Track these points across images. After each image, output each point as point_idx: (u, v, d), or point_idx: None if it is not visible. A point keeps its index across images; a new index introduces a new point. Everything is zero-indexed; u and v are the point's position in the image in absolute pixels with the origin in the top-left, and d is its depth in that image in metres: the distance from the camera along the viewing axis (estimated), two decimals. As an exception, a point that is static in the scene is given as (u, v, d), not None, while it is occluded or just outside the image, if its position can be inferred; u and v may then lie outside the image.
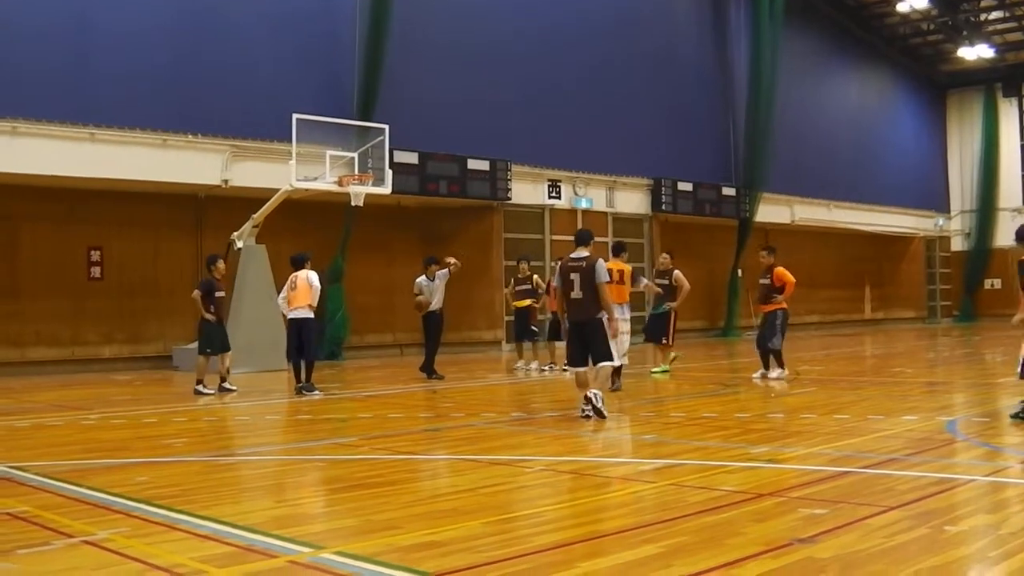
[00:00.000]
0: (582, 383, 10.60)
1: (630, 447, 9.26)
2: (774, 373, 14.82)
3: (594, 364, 10.48)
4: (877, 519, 5.54)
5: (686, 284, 16.50)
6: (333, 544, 5.23)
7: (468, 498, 6.54)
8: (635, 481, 7.31)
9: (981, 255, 40.18)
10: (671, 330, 16.42)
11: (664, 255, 17.36)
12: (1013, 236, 10.78)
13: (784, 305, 14.89)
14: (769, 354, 14.94)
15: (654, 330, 16.80)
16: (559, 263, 10.93)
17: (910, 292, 40.12)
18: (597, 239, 17.41)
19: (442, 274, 16.02)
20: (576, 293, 10.46)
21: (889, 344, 25.14)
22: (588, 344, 10.45)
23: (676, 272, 16.58)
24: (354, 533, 5.65)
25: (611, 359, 10.59)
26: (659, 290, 16.46)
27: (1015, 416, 9.51)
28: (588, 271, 10.43)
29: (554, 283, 11.12)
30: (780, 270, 14.86)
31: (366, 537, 5.49)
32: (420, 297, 16.03)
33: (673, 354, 16.76)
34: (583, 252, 10.60)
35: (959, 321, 39.74)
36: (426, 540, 5.27)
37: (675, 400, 13.07)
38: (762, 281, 15.04)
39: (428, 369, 16.18)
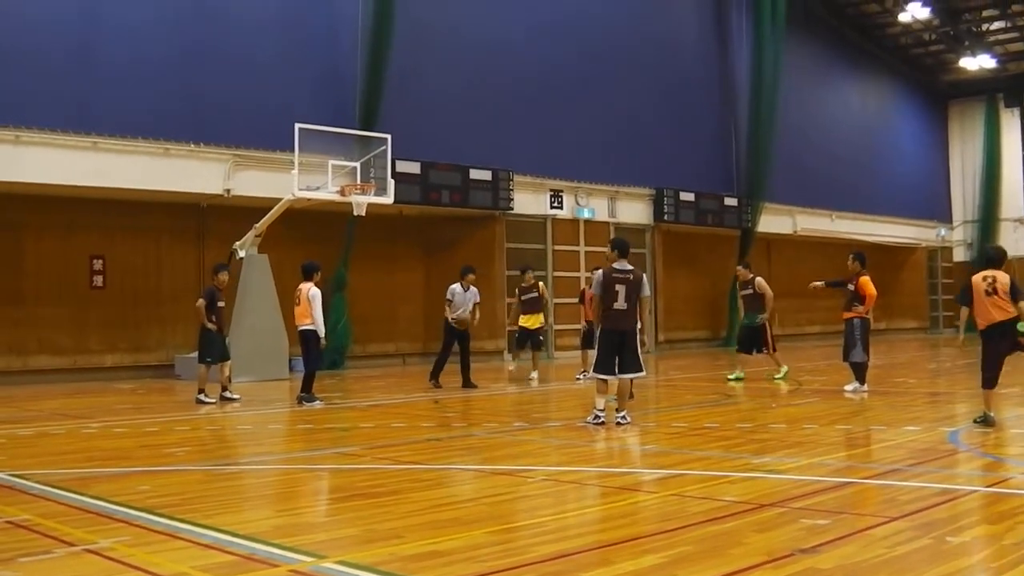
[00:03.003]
0: (603, 391, 10.76)
1: (632, 457, 9.25)
2: (850, 387, 14.08)
3: (623, 374, 10.65)
4: (879, 529, 5.54)
5: (769, 291, 16.62)
6: (335, 553, 5.23)
7: (470, 508, 6.55)
8: (637, 491, 7.31)
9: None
10: (770, 339, 16.63)
11: (740, 267, 17.48)
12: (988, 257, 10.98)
13: (863, 314, 14.08)
14: (856, 367, 14.16)
15: (748, 341, 16.85)
16: (600, 272, 10.86)
17: (912, 302, 40.08)
18: (599, 249, 17.58)
19: (475, 291, 16.33)
20: (620, 304, 10.54)
21: (891, 354, 25.10)
22: (621, 354, 10.56)
23: (758, 279, 16.80)
24: (356, 542, 5.65)
25: (641, 371, 10.81)
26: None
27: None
28: (636, 284, 10.61)
29: (593, 291, 11.02)
30: (864, 279, 14.07)
31: (368, 546, 5.48)
32: (463, 315, 16.10)
33: (784, 368, 16.78)
34: (626, 264, 10.71)
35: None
36: (428, 550, 5.27)
37: (677, 410, 13.07)
38: (850, 287, 14.28)
39: (465, 379, 16.24)
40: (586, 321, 17.39)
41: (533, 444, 9.98)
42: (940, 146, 42.42)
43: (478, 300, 16.41)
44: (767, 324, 16.65)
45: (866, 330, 14.15)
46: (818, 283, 15.40)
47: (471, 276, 16.41)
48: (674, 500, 6.67)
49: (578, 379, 17.09)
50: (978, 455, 8.55)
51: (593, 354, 16.78)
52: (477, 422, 11.67)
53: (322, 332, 13.62)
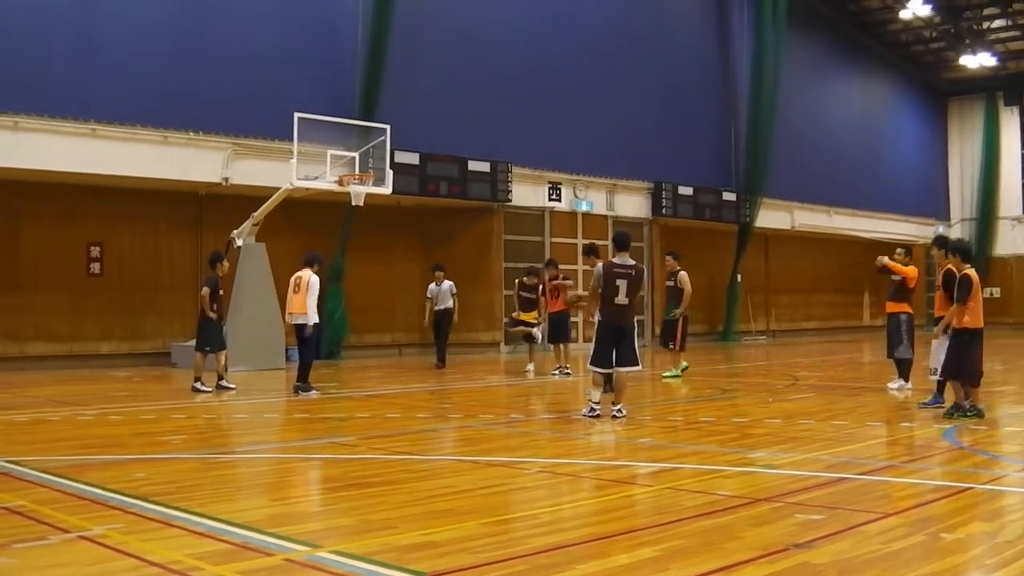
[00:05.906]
0: (599, 383, 10.75)
1: (627, 450, 9.25)
2: (895, 384, 13.54)
3: (620, 367, 10.63)
4: (874, 525, 5.54)
5: (688, 287, 16.30)
6: (330, 543, 5.23)
7: (465, 499, 6.55)
8: (632, 484, 7.31)
9: (980, 264, 40.20)
10: (679, 336, 16.31)
11: (668, 256, 16.99)
12: (941, 244, 10.94)
13: (906, 308, 13.48)
14: (900, 363, 13.58)
15: (664, 335, 16.80)
16: (600, 265, 10.76)
17: (910, 299, 40.09)
18: (597, 242, 17.58)
19: (449, 284, 18.38)
20: (621, 299, 10.54)
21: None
22: (618, 348, 10.56)
23: (682, 273, 16.44)
24: (351, 532, 5.65)
25: (638, 364, 10.81)
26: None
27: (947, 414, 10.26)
28: (638, 279, 10.62)
29: (592, 284, 10.85)
30: (908, 269, 13.49)
31: (363, 536, 5.49)
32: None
33: (682, 366, 16.49)
34: (628, 259, 10.70)
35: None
36: (423, 540, 5.27)
37: (673, 404, 13.07)
38: (894, 276, 13.60)
39: (440, 357, 18.72)
40: (550, 314, 17.22)
41: (528, 436, 9.98)
42: (939, 143, 42.42)
43: (455, 291, 18.45)
44: (683, 320, 16.33)
45: (912, 325, 13.69)
46: (883, 258, 13.79)
47: (439, 273, 18.43)
48: (669, 494, 6.67)
49: (554, 375, 16.84)
50: (973, 452, 8.56)
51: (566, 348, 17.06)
52: (473, 413, 11.67)
53: (312, 321, 13.56)
